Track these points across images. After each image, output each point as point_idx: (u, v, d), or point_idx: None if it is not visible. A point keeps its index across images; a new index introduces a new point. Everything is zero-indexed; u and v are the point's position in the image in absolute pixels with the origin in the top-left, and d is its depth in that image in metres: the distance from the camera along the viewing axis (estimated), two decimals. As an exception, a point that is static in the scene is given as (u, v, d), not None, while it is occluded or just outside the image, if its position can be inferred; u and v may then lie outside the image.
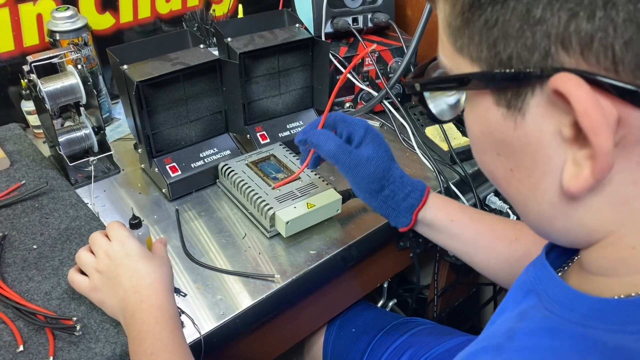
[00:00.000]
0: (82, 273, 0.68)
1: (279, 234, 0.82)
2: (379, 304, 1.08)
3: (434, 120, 0.45)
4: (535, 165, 0.34)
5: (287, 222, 0.78)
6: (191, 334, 0.68)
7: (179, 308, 0.70)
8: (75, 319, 0.65)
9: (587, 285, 0.37)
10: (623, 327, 0.33)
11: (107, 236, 0.69)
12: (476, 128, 0.37)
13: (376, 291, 1.09)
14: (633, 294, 0.34)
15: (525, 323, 0.38)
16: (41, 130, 1.00)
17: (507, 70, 0.32)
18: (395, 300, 1.08)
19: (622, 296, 0.34)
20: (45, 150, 0.97)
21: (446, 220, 0.72)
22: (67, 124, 1.01)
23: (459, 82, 0.35)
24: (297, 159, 0.90)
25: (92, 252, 0.68)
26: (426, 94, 0.43)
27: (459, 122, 1.04)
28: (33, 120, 1.00)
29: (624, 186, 0.32)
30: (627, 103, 0.29)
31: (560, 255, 0.45)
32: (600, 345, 0.33)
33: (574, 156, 0.32)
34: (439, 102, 0.44)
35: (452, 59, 0.36)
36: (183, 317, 0.70)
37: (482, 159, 0.39)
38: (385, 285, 1.07)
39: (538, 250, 0.68)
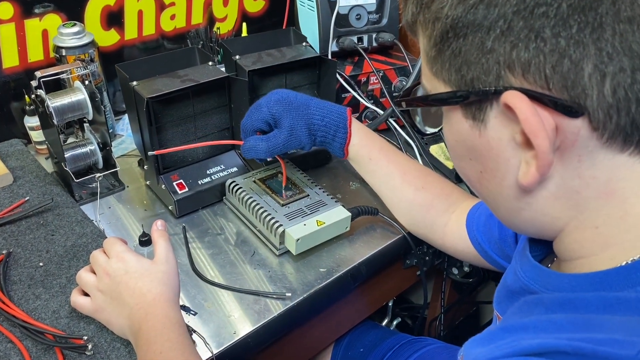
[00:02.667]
0: (86, 294, 0.67)
1: (287, 252, 0.82)
2: (384, 323, 1.08)
3: (418, 132, 0.53)
4: (498, 167, 0.41)
5: (298, 240, 0.78)
6: (203, 354, 0.67)
7: (190, 327, 0.69)
8: (85, 338, 0.64)
9: (570, 271, 0.43)
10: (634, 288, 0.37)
11: (106, 252, 0.68)
12: (451, 137, 0.44)
13: (379, 310, 1.08)
14: (618, 265, 0.39)
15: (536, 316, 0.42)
16: (44, 146, 0.99)
17: (470, 89, 0.39)
18: (400, 319, 1.08)
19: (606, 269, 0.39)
20: (48, 166, 0.96)
21: (365, 158, 0.81)
22: (70, 139, 1.00)
23: (436, 100, 0.42)
24: (305, 176, 0.90)
25: (94, 272, 0.67)
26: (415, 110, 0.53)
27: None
28: (36, 136, 0.99)
29: (571, 179, 0.39)
30: (560, 114, 0.36)
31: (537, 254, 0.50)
32: (624, 301, 0.37)
33: (524, 157, 0.39)
34: (423, 117, 0.54)
35: (430, 82, 0.43)
36: (194, 337, 0.68)
37: (458, 164, 0.46)
38: (390, 304, 1.06)
39: (440, 204, 0.80)
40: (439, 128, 0.48)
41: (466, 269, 0.98)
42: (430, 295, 1.25)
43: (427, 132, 0.51)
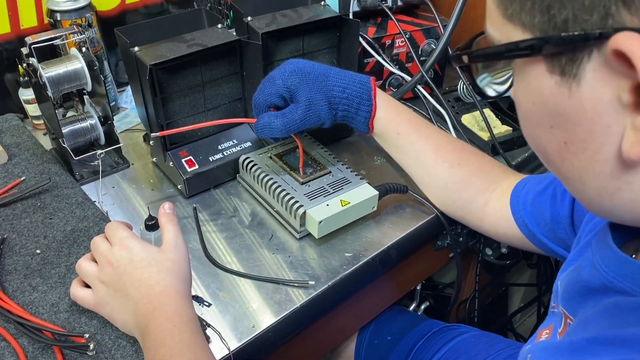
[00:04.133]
0: (87, 285, 0.60)
1: (309, 235, 0.74)
2: (411, 308, 1.01)
3: (481, 95, 0.42)
4: (591, 136, 0.33)
5: (320, 222, 0.70)
6: (218, 351, 0.60)
7: (204, 321, 0.62)
8: (87, 335, 0.57)
9: None
10: None
11: (108, 239, 0.61)
12: (527, 99, 0.36)
13: (406, 294, 1.01)
14: None
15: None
16: (41, 121, 0.91)
17: (563, 34, 0.31)
18: (428, 303, 1.00)
19: None
20: (46, 143, 0.88)
21: (393, 133, 0.73)
22: (70, 113, 0.92)
23: (511, 51, 0.34)
24: (326, 151, 0.81)
25: (95, 260, 0.60)
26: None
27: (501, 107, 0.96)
28: (32, 110, 0.91)
29: None
30: None
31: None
32: None
33: (634, 122, 0.31)
34: (486, 77, 0.42)
35: (501, 29, 0.35)
36: (209, 331, 0.61)
37: (533, 133, 0.37)
38: (418, 288, 0.99)
39: (479, 182, 0.70)
40: (505, 89, 0.40)
41: (504, 250, 0.90)
42: (451, 275, 1.18)
43: (490, 95, 0.42)
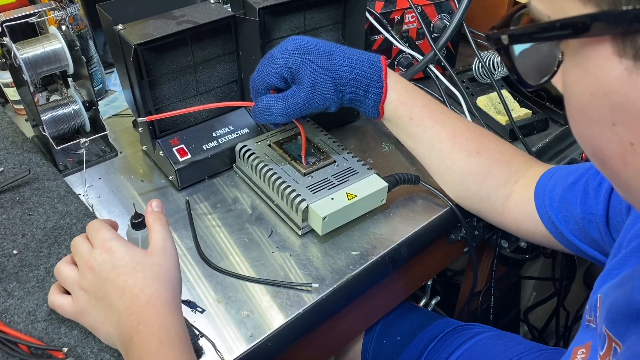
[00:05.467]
0: (67, 291, 0.54)
1: (312, 231, 0.68)
2: (421, 304, 0.95)
3: (522, 84, 0.34)
4: None
5: (324, 218, 0.64)
6: (213, 363, 0.54)
7: (196, 329, 0.56)
8: (65, 349, 0.51)
9: None
10: None
11: (89, 239, 0.55)
12: (583, 90, 0.29)
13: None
14: None
15: None
16: (23, 106, 0.85)
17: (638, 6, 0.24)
18: (439, 298, 0.95)
19: None
20: (28, 130, 0.81)
21: (405, 118, 0.66)
22: (54, 98, 0.86)
23: (566, 29, 0.27)
24: (330, 138, 0.75)
25: (76, 264, 0.54)
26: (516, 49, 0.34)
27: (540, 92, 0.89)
28: (12, 94, 0.85)
29: None
30: None
31: None
32: None
33: None
34: (526, 61, 0.34)
35: (552, 2, 0.29)
36: (202, 341, 0.56)
37: (587, 131, 0.31)
38: (429, 283, 0.93)
39: (500, 173, 0.63)
40: (547, 77, 0.33)
41: (522, 244, 0.84)
42: (460, 264, 1.13)
43: (533, 84, 0.35)
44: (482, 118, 0.83)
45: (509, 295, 1.16)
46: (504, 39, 0.31)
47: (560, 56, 0.30)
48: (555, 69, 0.31)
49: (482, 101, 0.86)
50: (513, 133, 0.81)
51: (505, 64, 0.33)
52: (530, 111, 0.85)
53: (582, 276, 1.19)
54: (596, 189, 0.54)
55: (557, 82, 0.32)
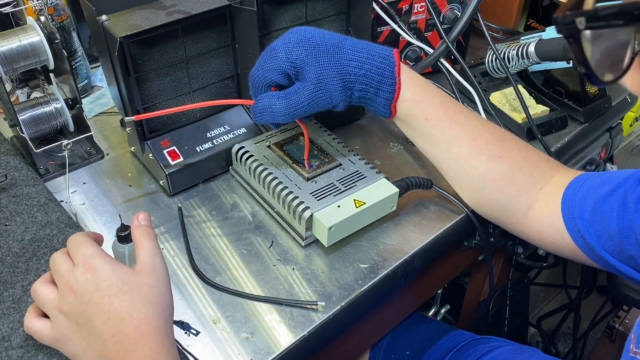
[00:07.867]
0: (46, 315, 0.48)
1: (316, 241, 0.62)
2: (430, 313, 0.90)
3: (592, 79, 0.29)
4: None
5: (330, 228, 0.58)
6: (209, 394, 0.49)
7: (190, 354, 0.51)
8: (43, 383, 0.45)
9: None
10: None
11: (70, 256, 0.49)
12: None
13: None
14: None
15: None
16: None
17: None
18: (449, 307, 0.89)
19: None
20: (7, 130, 0.75)
21: (420, 118, 0.61)
22: (35, 94, 0.79)
23: None
24: (335, 139, 0.69)
25: (55, 283, 0.48)
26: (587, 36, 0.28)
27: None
28: (-11, 91, 0.78)
29: None
30: None
31: None
32: None
33: None
34: (600, 52, 0.29)
35: None
36: (196, 369, 0.50)
37: None
38: (439, 292, 0.88)
39: (523, 179, 0.59)
40: (620, 73, 0.27)
41: (541, 252, 0.79)
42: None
43: (605, 80, 0.29)
44: (497, 115, 0.77)
45: (516, 298, 1.11)
46: (580, 22, 0.26)
47: (637, 46, 0.25)
48: (629, 61, 0.26)
49: (496, 97, 0.81)
50: (530, 132, 0.75)
51: (574, 54, 0.28)
52: (548, 108, 0.79)
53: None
54: (637, 202, 0.48)
55: (629, 81, 0.26)
